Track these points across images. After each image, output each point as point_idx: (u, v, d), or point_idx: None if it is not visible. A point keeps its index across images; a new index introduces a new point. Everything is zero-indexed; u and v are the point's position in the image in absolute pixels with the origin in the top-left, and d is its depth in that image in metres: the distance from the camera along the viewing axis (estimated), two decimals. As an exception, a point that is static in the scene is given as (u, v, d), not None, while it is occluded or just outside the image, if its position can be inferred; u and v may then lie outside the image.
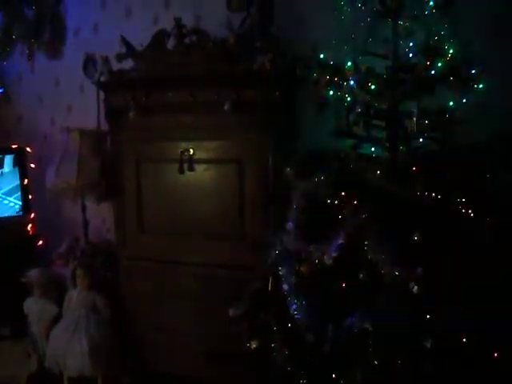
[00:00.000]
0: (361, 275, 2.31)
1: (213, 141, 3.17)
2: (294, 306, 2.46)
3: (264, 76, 2.91)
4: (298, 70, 3.02)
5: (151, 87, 3.23)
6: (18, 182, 4.27)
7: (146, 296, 3.48)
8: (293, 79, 3.10)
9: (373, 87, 2.44)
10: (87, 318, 3.41)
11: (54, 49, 4.29)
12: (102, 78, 3.39)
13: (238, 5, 3.25)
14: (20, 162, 4.26)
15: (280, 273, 2.55)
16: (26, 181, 4.27)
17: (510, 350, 2.22)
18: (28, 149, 4.31)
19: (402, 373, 2.24)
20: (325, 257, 2.28)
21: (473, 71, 2.41)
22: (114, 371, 3.45)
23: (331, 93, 2.51)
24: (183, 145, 3.20)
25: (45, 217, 4.31)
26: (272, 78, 2.91)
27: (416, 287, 2.14)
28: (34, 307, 3.65)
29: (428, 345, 2.17)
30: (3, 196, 4.26)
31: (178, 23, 3.21)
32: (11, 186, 4.29)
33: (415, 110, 2.38)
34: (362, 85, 2.46)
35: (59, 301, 3.59)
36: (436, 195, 2.27)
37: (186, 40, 3.22)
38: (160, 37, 3.25)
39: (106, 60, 3.34)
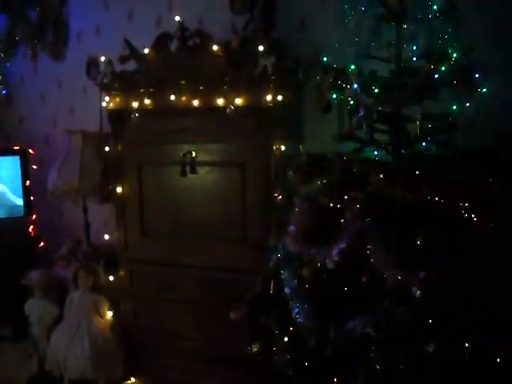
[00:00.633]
0: (363, 279, 2.31)
1: (215, 143, 3.17)
2: (296, 310, 2.46)
3: (267, 79, 2.91)
4: (300, 74, 3.03)
5: (154, 89, 3.23)
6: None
7: (147, 299, 3.47)
8: (296, 82, 3.10)
9: (376, 91, 2.44)
10: (89, 321, 3.41)
11: (57, 50, 4.29)
12: (105, 80, 3.39)
13: (241, 7, 3.24)
14: (22, 164, 4.26)
15: (282, 276, 2.55)
16: (27, 182, 4.26)
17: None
18: (30, 150, 4.31)
19: (403, 377, 2.24)
20: (327, 260, 2.28)
21: (476, 75, 2.41)
22: (115, 374, 3.44)
23: (334, 96, 2.51)
24: (185, 147, 3.19)
25: (46, 218, 4.32)
26: (275, 81, 2.91)
27: (418, 291, 2.13)
28: (35, 309, 3.65)
29: (430, 349, 2.16)
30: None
31: (182, 25, 3.20)
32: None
33: (418, 114, 2.38)
34: (365, 88, 2.46)
35: (60, 303, 3.58)
36: (439, 199, 2.27)
37: (189, 42, 3.22)
38: (163, 39, 3.25)
39: (108, 62, 3.34)
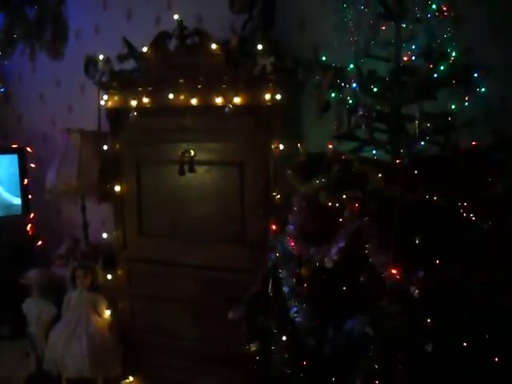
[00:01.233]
0: (361, 278, 2.31)
1: (214, 142, 3.17)
2: (294, 309, 2.45)
3: (265, 78, 2.91)
4: (299, 73, 3.02)
5: (152, 88, 3.22)
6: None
7: (145, 298, 3.48)
8: (294, 82, 3.10)
9: (375, 90, 2.44)
10: (87, 320, 3.41)
11: (56, 49, 4.28)
12: (103, 79, 3.39)
13: (240, 6, 3.23)
14: (20, 162, 4.25)
15: (280, 275, 2.54)
16: (25, 181, 4.26)
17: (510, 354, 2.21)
18: (28, 149, 4.30)
19: (402, 377, 2.23)
20: (325, 260, 2.27)
21: (475, 75, 2.41)
22: (113, 373, 3.43)
23: (333, 95, 2.50)
24: (184, 146, 3.20)
25: (44, 217, 4.31)
26: (274, 80, 2.91)
27: (417, 291, 2.13)
28: (33, 308, 3.65)
29: (429, 349, 2.16)
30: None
31: (180, 24, 3.20)
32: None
33: (417, 114, 2.38)
34: (364, 87, 2.45)
35: (58, 302, 3.58)
36: (437, 199, 2.27)
37: (188, 41, 3.22)
38: (162, 38, 3.25)
39: (107, 61, 3.34)
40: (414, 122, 2.39)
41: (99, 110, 3.49)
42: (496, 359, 2.23)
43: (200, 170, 3.19)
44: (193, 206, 3.27)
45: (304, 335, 2.42)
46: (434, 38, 2.42)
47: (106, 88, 3.41)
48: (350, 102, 2.47)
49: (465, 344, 2.22)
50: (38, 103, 4.53)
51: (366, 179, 2.28)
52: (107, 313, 3.48)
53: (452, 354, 2.21)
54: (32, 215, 4.30)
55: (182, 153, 3.18)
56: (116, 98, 3.36)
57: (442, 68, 2.38)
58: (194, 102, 3.09)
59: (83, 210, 3.87)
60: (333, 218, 2.34)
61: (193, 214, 3.27)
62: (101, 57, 3.37)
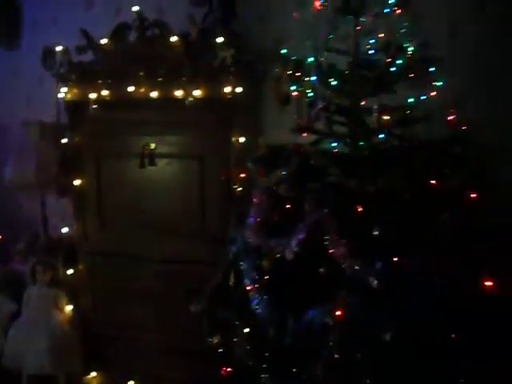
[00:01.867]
0: (321, 269, 2.34)
1: (175, 135, 3.15)
2: (255, 301, 2.47)
3: (225, 71, 2.90)
4: (260, 66, 3.03)
5: (112, 80, 3.18)
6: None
7: (107, 292, 3.44)
8: (255, 74, 3.10)
9: (334, 83, 2.46)
10: (47, 316, 3.35)
11: (11, 40, 4.18)
12: (62, 71, 3.33)
13: (201, -1, 3.22)
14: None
15: (241, 268, 2.55)
16: (-18, 174, 4.16)
17: (466, 342, 2.27)
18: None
19: (362, 366, 2.27)
20: (286, 251, 2.29)
21: (432, 69, 2.45)
22: (75, 369, 3.40)
23: (293, 88, 2.52)
24: (145, 139, 3.17)
25: (3, 212, 4.22)
26: (234, 73, 2.90)
27: (375, 281, 2.16)
28: (-9, 304, 3.58)
29: (387, 338, 2.20)
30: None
31: (140, 16, 3.17)
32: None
33: (375, 106, 2.41)
34: (323, 81, 2.47)
35: (18, 298, 3.52)
36: (396, 190, 2.31)
37: (148, 33, 3.19)
38: (121, 29, 3.21)
39: (65, 52, 3.28)
40: (373, 114, 2.43)
41: (58, 102, 3.43)
42: (452, 347, 2.28)
43: (161, 163, 3.17)
44: (154, 198, 3.24)
45: (265, 326, 2.44)
46: (392, 33, 2.46)
47: (64, 80, 3.35)
48: (310, 94, 2.49)
49: (422, 332, 2.26)
50: (-6, 95, 4.42)
51: (326, 171, 2.31)
52: (68, 308, 3.43)
53: (410, 343, 2.25)
54: (-10, 210, 4.21)
55: (142, 146, 3.15)
56: (75, 90, 3.31)
57: (399, 62, 2.41)
58: (154, 94, 3.06)
59: (43, 204, 3.80)
60: (293, 211, 2.36)
61: (154, 206, 3.25)
62: (59, 48, 3.31)
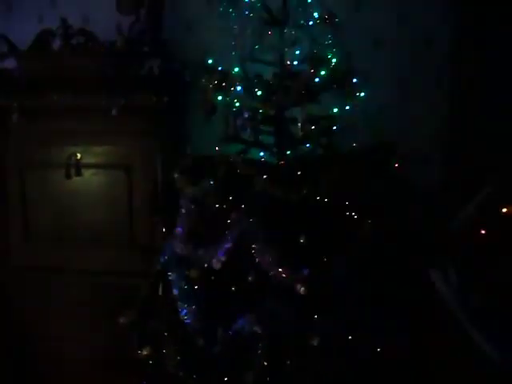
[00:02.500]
0: (249, 278, 2.35)
1: (101, 146, 3.11)
2: (184, 311, 2.46)
3: (152, 81, 2.89)
4: (186, 75, 3.04)
5: (35, 89, 3.10)
6: None
7: (32, 306, 3.34)
8: (181, 84, 3.10)
9: (259, 93, 2.49)
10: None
11: None
12: (-19, 78, 3.22)
13: (128, 7, 3.18)
14: None
15: (170, 278, 2.54)
16: None
17: (394, 345, 2.34)
18: None
19: (291, 371, 2.30)
20: (213, 261, 2.30)
21: (354, 80, 2.52)
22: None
23: (219, 98, 2.53)
24: (70, 149, 3.11)
25: None
26: (160, 82, 2.90)
27: (302, 288, 2.20)
28: None
29: (315, 343, 2.24)
30: None
31: (64, 23, 3.11)
32: None
33: (300, 116, 2.46)
34: (248, 91, 2.50)
35: None
36: (321, 198, 2.36)
37: (73, 41, 3.13)
38: (44, 36, 3.13)
39: (-16, 59, 3.18)
40: (298, 124, 2.47)
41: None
42: (379, 350, 2.35)
43: (87, 173, 3.12)
44: (80, 209, 3.18)
45: (194, 336, 2.44)
46: (315, 44, 2.52)
47: (-17, 88, 3.24)
48: (236, 105, 2.51)
49: (350, 337, 2.32)
50: None
51: (252, 181, 2.33)
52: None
53: (337, 347, 2.30)
54: None
55: (68, 156, 3.09)
56: (-5, 98, 3.21)
57: (322, 73, 2.47)
58: (79, 103, 3.00)
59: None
60: (220, 220, 2.37)
61: (80, 218, 3.18)
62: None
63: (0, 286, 3.39)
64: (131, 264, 3.03)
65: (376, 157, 2.57)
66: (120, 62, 2.93)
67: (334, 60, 2.52)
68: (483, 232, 2.16)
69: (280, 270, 2.25)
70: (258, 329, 2.28)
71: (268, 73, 2.59)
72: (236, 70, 2.51)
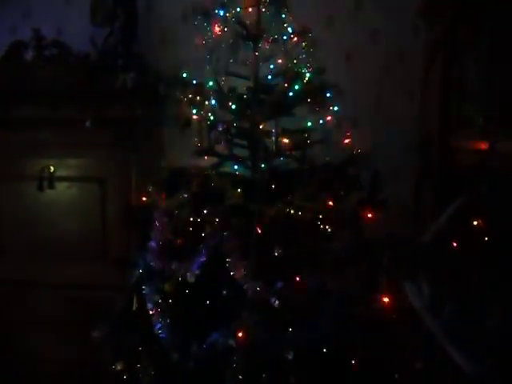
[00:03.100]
0: (224, 291, 2.35)
1: (74, 158, 3.10)
2: (159, 325, 2.44)
3: (126, 93, 2.89)
4: (161, 88, 3.04)
5: (7, 101, 3.08)
6: None
7: (5, 322, 3.29)
8: (156, 97, 3.11)
9: (234, 107, 2.50)
10: None
11: None
12: (-48, 89, 3.17)
13: (102, 20, 3.18)
14: None
15: (144, 292, 2.52)
16: None
17: (367, 358, 2.35)
18: None
19: (267, 385, 2.30)
20: (187, 274, 2.29)
21: (328, 94, 2.55)
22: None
23: (194, 111, 2.53)
24: (43, 161, 3.09)
25: None
26: (134, 95, 2.90)
27: (277, 301, 2.20)
28: None
29: (290, 356, 2.24)
30: None
31: (37, 34, 3.09)
32: None
33: (274, 130, 2.47)
34: (223, 104, 2.51)
35: None
36: (295, 212, 2.37)
37: (46, 53, 3.11)
38: (17, 48, 3.11)
39: (-45, 70, 3.14)
40: (272, 137, 2.49)
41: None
42: (353, 362, 2.35)
43: (60, 186, 3.10)
44: (54, 223, 3.16)
45: (168, 351, 2.42)
46: (289, 59, 2.54)
47: (-45, 99, 3.20)
48: (211, 118, 2.52)
49: (324, 350, 2.32)
50: None
51: (226, 194, 2.33)
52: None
53: (312, 360, 2.30)
54: None
55: (41, 168, 3.07)
56: (-32, 110, 3.17)
57: (296, 87, 2.49)
58: (52, 115, 2.98)
59: None
60: (194, 233, 2.36)
61: (54, 231, 3.16)
62: None
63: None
64: (105, 277, 3.00)
65: (348, 170, 2.59)
66: (94, 75, 2.92)
67: (307, 74, 2.54)
68: (455, 244, 2.19)
69: (254, 283, 2.24)
70: (232, 342, 2.27)
71: (242, 86, 2.60)
72: (210, 83, 2.52)
